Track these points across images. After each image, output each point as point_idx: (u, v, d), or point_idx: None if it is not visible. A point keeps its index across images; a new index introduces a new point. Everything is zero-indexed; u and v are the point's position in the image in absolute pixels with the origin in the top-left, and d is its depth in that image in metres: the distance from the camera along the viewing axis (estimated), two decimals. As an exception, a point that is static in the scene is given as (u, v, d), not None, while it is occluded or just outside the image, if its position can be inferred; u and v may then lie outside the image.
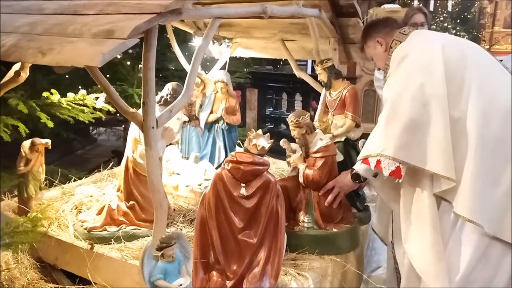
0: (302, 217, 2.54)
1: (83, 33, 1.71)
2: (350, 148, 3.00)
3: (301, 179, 2.55)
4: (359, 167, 2.32)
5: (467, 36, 9.37)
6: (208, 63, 4.77)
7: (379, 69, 2.90)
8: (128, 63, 4.49)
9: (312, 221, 2.51)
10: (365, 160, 2.15)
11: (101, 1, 1.96)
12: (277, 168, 3.74)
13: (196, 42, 3.87)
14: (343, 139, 2.98)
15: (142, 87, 1.94)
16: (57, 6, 2.05)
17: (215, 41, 3.73)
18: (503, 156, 1.97)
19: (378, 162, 2.07)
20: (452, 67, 2.04)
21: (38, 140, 2.69)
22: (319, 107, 3.24)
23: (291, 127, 2.59)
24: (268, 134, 2.25)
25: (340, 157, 2.85)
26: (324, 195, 2.53)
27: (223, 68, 3.85)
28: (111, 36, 1.63)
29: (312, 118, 2.78)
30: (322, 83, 3.05)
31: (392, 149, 2.02)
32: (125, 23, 1.68)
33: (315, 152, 2.55)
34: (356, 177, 2.41)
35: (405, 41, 2.28)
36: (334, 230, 2.52)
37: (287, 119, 2.66)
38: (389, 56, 2.34)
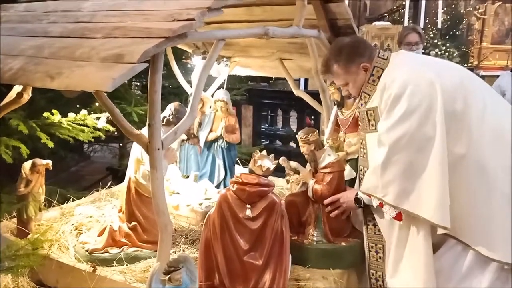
0: (311, 231, 2.58)
1: (91, 57, 1.72)
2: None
3: (310, 194, 2.60)
4: (363, 195, 2.33)
5: (456, 52, 9.55)
6: (206, 81, 4.78)
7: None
8: (126, 81, 4.48)
9: (321, 235, 2.56)
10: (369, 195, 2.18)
11: (107, 25, 1.97)
12: (276, 186, 3.71)
13: (194, 60, 3.89)
14: (356, 156, 3.02)
15: (148, 109, 1.94)
16: (62, 29, 2.06)
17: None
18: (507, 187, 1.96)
19: (381, 204, 2.13)
20: (450, 98, 1.99)
21: (39, 161, 2.67)
22: (330, 125, 3.27)
23: (300, 144, 2.67)
24: (273, 155, 2.27)
25: (353, 174, 2.92)
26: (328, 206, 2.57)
27: (221, 86, 3.87)
28: (120, 61, 1.64)
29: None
30: (335, 102, 3.13)
31: (392, 197, 2.03)
32: (134, 47, 1.69)
33: (324, 168, 2.60)
34: (358, 201, 2.41)
35: (390, 68, 2.18)
36: (343, 244, 2.56)
37: (296, 136, 2.73)
38: (367, 83, 2.25)
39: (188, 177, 3.45)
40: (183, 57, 4.99)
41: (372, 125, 2.25)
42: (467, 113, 2.00)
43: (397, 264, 2.15)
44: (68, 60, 1.76)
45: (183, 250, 2.55)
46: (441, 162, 1.92)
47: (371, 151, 2.29)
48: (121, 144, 5.16)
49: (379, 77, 2.21)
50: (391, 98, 2.06)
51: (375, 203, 2.17)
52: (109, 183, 3.50)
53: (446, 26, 10.08)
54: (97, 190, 3.44)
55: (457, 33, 10.26)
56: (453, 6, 10.34)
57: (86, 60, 1.72)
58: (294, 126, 7.03)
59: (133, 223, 2.53)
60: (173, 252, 2.51)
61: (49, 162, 2.70)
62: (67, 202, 3.21)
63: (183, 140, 3.64)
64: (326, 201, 2.52)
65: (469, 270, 2.01)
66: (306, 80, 8.69)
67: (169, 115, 2.69)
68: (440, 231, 1.97)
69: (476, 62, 10.47)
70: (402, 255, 2.14)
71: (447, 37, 9.95)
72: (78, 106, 3.56)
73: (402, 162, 2.00)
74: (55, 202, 3.13)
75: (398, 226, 2.14)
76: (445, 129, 1.94)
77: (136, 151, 2.54)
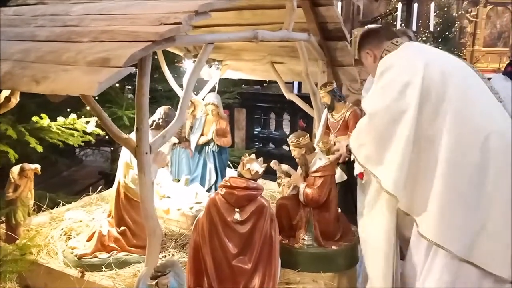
0: (302, 234, 2.58)
1: (78, 61, 1.71)
2: (352, 168, 3.05)
3: (301, 198, 2.60)
4: None
5: (449, 55, 9.59)
6: (197, 84, 4.78)
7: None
8: (117, 84, 4.47)
9: (312, 239, 2.57)
10: None
11: (95, 28, 1.96)
12: (267, 189, 3.73)
13: (186, 63, 3.89)
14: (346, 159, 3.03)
15: (135, 113, 1.94)
16: (49, 33, 2.05)
17: (205, 63, 3.75)
18: (477, 180, 1.96)
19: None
20: (433, 85, 2.05)
21: (27, 165, 2.65)
22: (320, 128, 3.30)
23: (291, 148, 2.66)
24: (262, 158, 2.26)
25: (343, 177, 2.97)
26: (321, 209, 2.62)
27: (212, 90, 3.87)
28: (106, 64, 1.63)
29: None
30: (325, 106, 3.18)
31: (362, 156, 2.17)
32: (121, 51, 1.68)
33: (315, 172, 2.60)
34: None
35: (394, 52, 2.29)
36: (334, 247, 2.58)
37: (287, 139, 2.73)
38: None
39: (179, 180, 3.44)
40: (175, 60, 4.98)
41: None
42: (445, 104, 2.04)
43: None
44: (54, 64, 1.75)
45: (173, 255, 2.54)
46: (407, 138, 2.02)
47: None
48: (112, 148, 5.13)
49: None
50: (377, 74, 2.21)
51: (353, 157, 2.29)
52: (100, 188, 3.47)
53: (438, 29, 10.15)
54: (88, 195, 3.43)
55: (450, 36, 10.33)
56: (446, 9, 10.41)
57: (72, 64, 1.71)
58: (287, 129, 7.03)
59: (122, 228, 2.52)
60: (162, 256, 2.50)
61: (38, 166, 2.68)
62: (57, 207, 3.19)
63: (174, 144, 3.63)
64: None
65: (426, 252, 2.07)
66: (299, 83, 8.71)
67: (159, 119, 2.68)
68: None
69: (468, 65, 10.53)
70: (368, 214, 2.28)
71: (440, 40, 10.02)
72: (68, 110, 3.54)
73: (374, 129, 2.12)
74: (44, 207, 3.11)
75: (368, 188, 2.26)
76: (417, 109, 2.03)
77: (125, 155, 2.53)
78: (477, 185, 1.97)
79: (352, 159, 2.36)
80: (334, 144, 3.09)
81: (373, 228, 2.23)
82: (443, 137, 2.01)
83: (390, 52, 2.31)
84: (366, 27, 8.29)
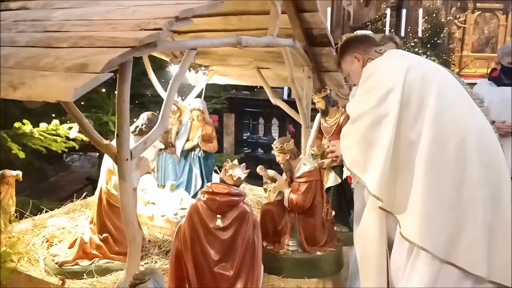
0: (287, 240, 2.58)
1: (56, 66, 1.69)
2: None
3: (286, 203, 2.60)
4: None
5: (437, 60, 9.67)
6: (184, 89, 4.78)
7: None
8: (103, 90, 4.45)
9: (296, 245, 2.57)
10: None
11: (74, 34, 1.94)
12: (254, 195, 3.73)
13: (172, 68, 3.88)
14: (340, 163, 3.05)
15: (116, 119, 1.92)
16: (29, 39, 2.03)
17: (191, 68, 3.75)
18: (456, 181, 1.99)
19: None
20: (414, 89, 2.09)
21: (8, 172, 2.62)
22: (313, 133, 3.31)
23: (276, 153, 2.67)
24: (244, 164, 2.26)
25: (337, 180, 3.00)
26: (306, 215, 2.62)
27: (199, 95, 3.86)
28: (84, 70, 1.61)
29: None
30: (320, 111, 3.23)
31: (348, 160, 2.19)
32: (99, 57, 1.67)
33: (299, 177, 2.61)
34: None
35: (377, 59, 2.33)
36: (318, 253, 2.58)
37: (272, 145, 2.74)
38: None
39: (165, 186, 3.42)
40: (166, 65, 4.97)
41: None
42: (425, 106, 2.07)
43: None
44: (32, 70, 1.73)
45: (155, 262, 2.52)
46: (389, 141, 2.04)
47: None
48: (99, 154, 5.09)
49: None
50: (361, 80, 2.25)
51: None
52: (84, 194, 3.44)
53: (427, 34, 10.20)
54: (72, 201, 3.39)
55: (438, 41, 10.39)
56: (434, 15, 10.47)
57: (50, 70, 1.69)
58: (276, 134, 7.03)
59: (104, 235, 2.50)
60: (145, 263, 2.48)
61: (19, 173, 2.65)
62: (40, 214, 3.15)
63: (160, 149, 3.61)
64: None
65: (408, 253, 2.08)
66: (289, 89, 8.73)
67: (142, 125, 2.66)
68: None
69: (457, 70, 10.60)
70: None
71: (428, 45, 10.07)
72: (53, 115, 3.52)
73: (358, 132, 2.15)
74: (27, 213, 3.07)
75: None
76: (398, 112, 2.05)
77: (108, 161, 2.51)
78: (456, 185, 1.99)
79: None
80: (328, 147, 3.12)
81: (366, 229, 2.24)
82: (422, 139, 2.03)
83: (373, 60, 2.34)
84: (355, 32, 8.36)
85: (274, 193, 2.85)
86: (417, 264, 2.03)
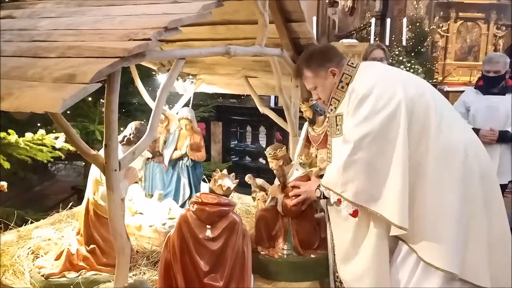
0: (281, 244, 2.60)
1: (43, 77, 1.67)
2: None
3: (279, 208, 2.62)
4: (323, 189, 2.29)
5: (421, 69, 9.83)
6: (172, 97, 4.76)
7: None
8: (90, 99, 4.42)
9: (291, 248, 2.59)
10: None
11: (62, 44, 1.93)
12: (243, 204, 3.72)
13: (160, 77, 3.87)
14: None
15: (104, 129, 1.91)
16: (16, 48, 2.01)
17: (179, 77, 3.74)
18: (462, 198, 1.99)
19: (339, 200, 2.14)
20: (414, 108, 2.06)
21: (-7, 183, 2.58)
22: (300, 142, 3.31)
23: (269, 160, 2.70)
24: (233, 174, 2.25)
25: None
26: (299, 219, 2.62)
27: (187, 104, 3.85)
28: (72, 81, 1.60)
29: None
30: (307, 119, 3.21)
31: (352, 193, 2.06)
32: (87, 67, 1.66)
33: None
34: (320, 192, 2.37)
35: (359, 75, 2.24)
36: (312, 256, 2.60)
37: (265, 152, 2.76)
38: (337, 89, 2.31)
39: (152, 196, 3.39)
40: (153, 73, 4.96)
41: (339, 129, 2.29)
42: (427, 123, 2.06)
43: (348, 261, 2.22)
44: (19, 80, 1.71)
45: (144, 273, 2.49)
46: (403, 164, 1.97)
47: (336, 153, 2.31)
48: (84, 163, 5.04)
49: (347, 84, 2.27)
50: (358, 98, 2.11)
51: (332, 198, 2.18)
52: (70, 204, 3.39)
53: (411, 43, 10.37)
54: (58, 212, 3.34)
55: (422, 50, 10.55)
56: (418, 24, 10.64)
57: (38, 80, 1.67)
58: (263, 142, 7.05)
59: (91, 246, 2.46)
60: (133, 274, 2.45)
61: (4, 184, 2.61)
62: (25, 225, 3.09)
63: (148, 159, 3.59)
64: (291, 193, 2.52)
65: (411, 273, 2.07)
66: (276, 97, 8.77)
67: (130, 135, 2.64)
68: (394, 231, 2.01)
69: (440, 78, 10.78)
70: (356, 252, 2.18)
71: (412, 54, 10.23)
72: (39, 125, 3.48)
73: (364, 161, 2.03)
74: (12, 224, 3.02)
75: (354, 224, 2.16)
76: (407, 134, 2.00)
77: (95, 171, 2.49)
78: (462, 202, 1.99)
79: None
80: (316, 157, 3.13)
81: (377, 260, 2.13)
82: (429, 160, 2.01)
83: (350, 75, 2.26)
84: (340, 41, 8.42)
85: (264, 201, 2.86)
86: (430, 284, 2.01)
